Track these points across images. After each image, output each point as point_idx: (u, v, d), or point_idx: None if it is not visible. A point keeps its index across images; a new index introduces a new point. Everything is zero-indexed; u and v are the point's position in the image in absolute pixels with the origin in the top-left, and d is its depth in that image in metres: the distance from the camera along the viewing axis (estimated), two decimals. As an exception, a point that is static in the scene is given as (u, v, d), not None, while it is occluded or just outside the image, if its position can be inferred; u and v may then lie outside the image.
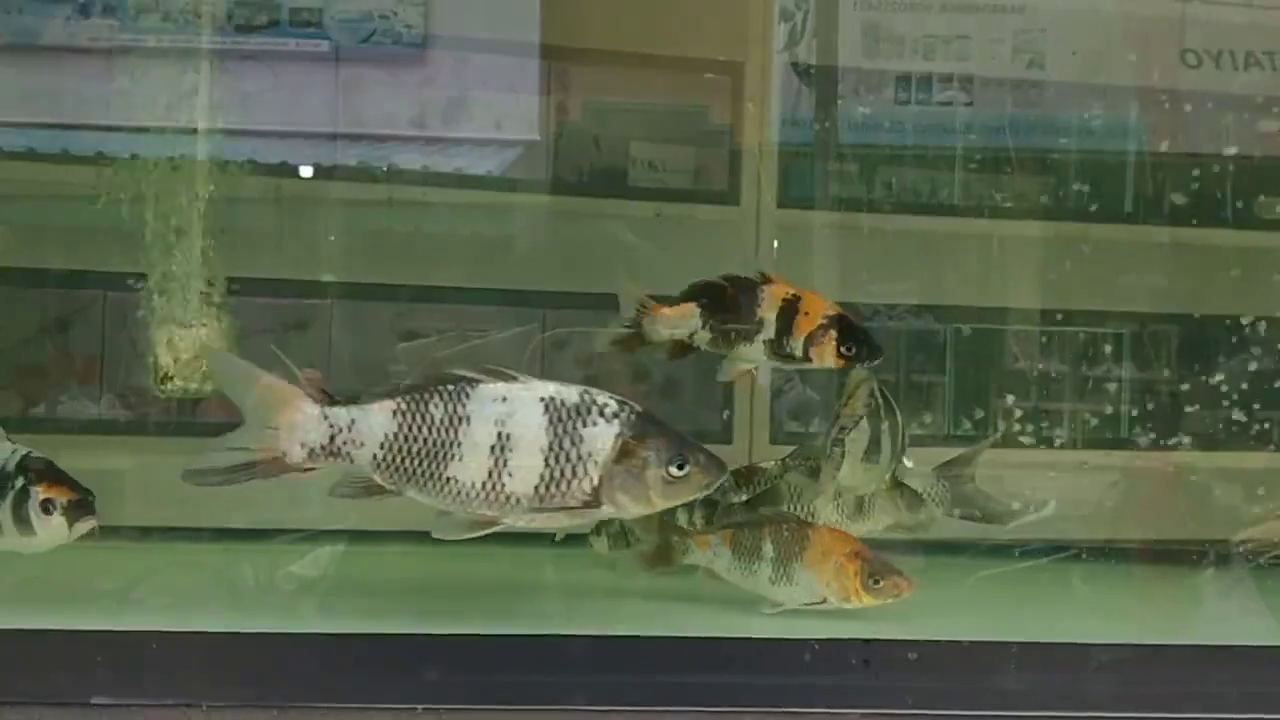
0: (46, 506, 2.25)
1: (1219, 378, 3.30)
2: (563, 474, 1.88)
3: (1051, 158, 3.54)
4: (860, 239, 3.36)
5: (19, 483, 2.27)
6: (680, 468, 1.87)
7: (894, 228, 3.40)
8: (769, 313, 2.36)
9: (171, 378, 2.56)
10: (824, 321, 2.35)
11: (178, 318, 2.58)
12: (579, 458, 1.87)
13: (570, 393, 1.91)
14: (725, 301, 2.40)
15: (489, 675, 2.08)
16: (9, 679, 2.03)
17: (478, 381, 1.91)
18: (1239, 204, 3.41)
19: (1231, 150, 3.42)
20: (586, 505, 1.88)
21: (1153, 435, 3.34)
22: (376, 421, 1.88)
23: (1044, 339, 3.42)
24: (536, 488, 1.88)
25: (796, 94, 3.54)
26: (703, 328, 2.42)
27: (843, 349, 2.34)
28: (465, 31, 3.45)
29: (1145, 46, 3.49)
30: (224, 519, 2.78)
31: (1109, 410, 3.37)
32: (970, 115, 3.56)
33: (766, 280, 2.39)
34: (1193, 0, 3.54)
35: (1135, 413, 3.38)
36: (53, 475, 2.29)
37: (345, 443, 1.88)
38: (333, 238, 3.30)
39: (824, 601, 2.30)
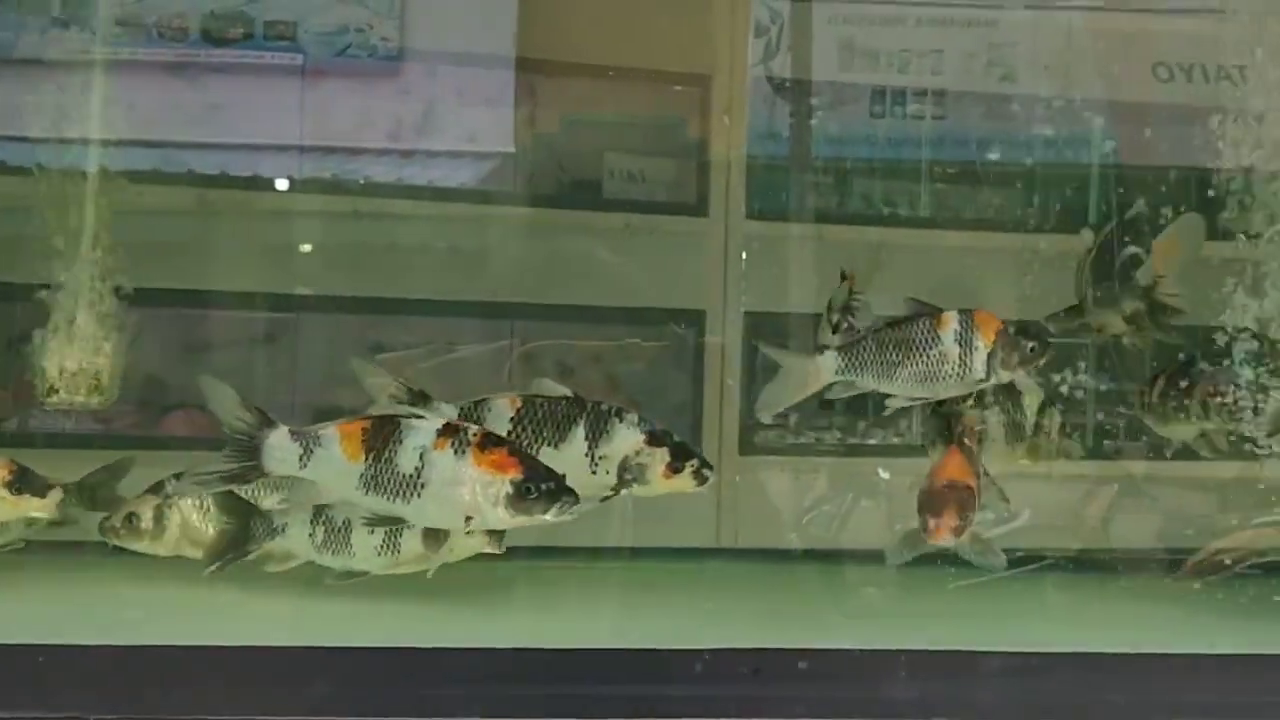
0: None
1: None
2: None
3: (1023, 170, 3.55)
4: (829, 250, 3.37)
5: None
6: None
7: (864, 239, 3.42)
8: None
9: (57, 390, 2.56)
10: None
11: (65, 330, 2.58)
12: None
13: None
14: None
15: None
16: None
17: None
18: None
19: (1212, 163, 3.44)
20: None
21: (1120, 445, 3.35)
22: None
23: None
24: None
25: (771, 107, 3.56)
26: None
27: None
28: (440, 44, 3.46)
29: (1118, 61, 3.52)
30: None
31: (1082, 420, 3.38)
32: (944, 129, 3.58)
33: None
34: (1164, 14, 3.57)
35: (1110, 424, 3.38)
36: None
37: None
38: (309, 249, 3.31)
39: None
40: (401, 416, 2.09)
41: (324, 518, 2.43)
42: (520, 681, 2.10)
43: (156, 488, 2.56)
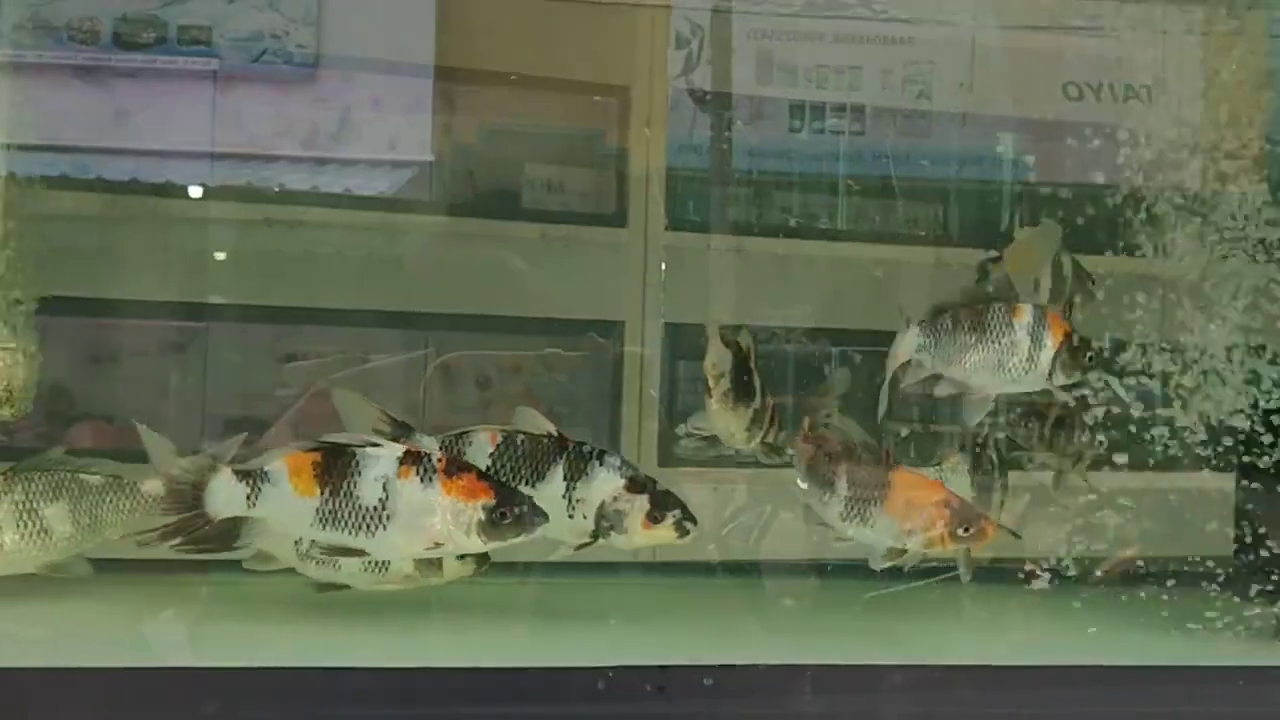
0: None
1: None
2: None
3: (938, 185, 3.61)
4: (748, 262, 3.39)
5: None
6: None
7: (783, 252, 3.45)
8: (757, 386, 2.50)
9: None
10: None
11: None
12: None
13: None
14: (742, 361, 2.49)
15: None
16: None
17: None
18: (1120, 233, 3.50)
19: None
20: None
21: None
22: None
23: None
24: None
25: (692, 119, 3.58)
26: (726, 374, 2.51)
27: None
28: (358, 52, 3.43)
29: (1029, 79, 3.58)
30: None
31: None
32: (861, 143, 3.62)
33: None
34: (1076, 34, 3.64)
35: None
36: None
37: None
38: (220, 257, 3.25)
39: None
40: (353, 446, 2.01)
41: None
42: (416, 703, 2.06)
43: None
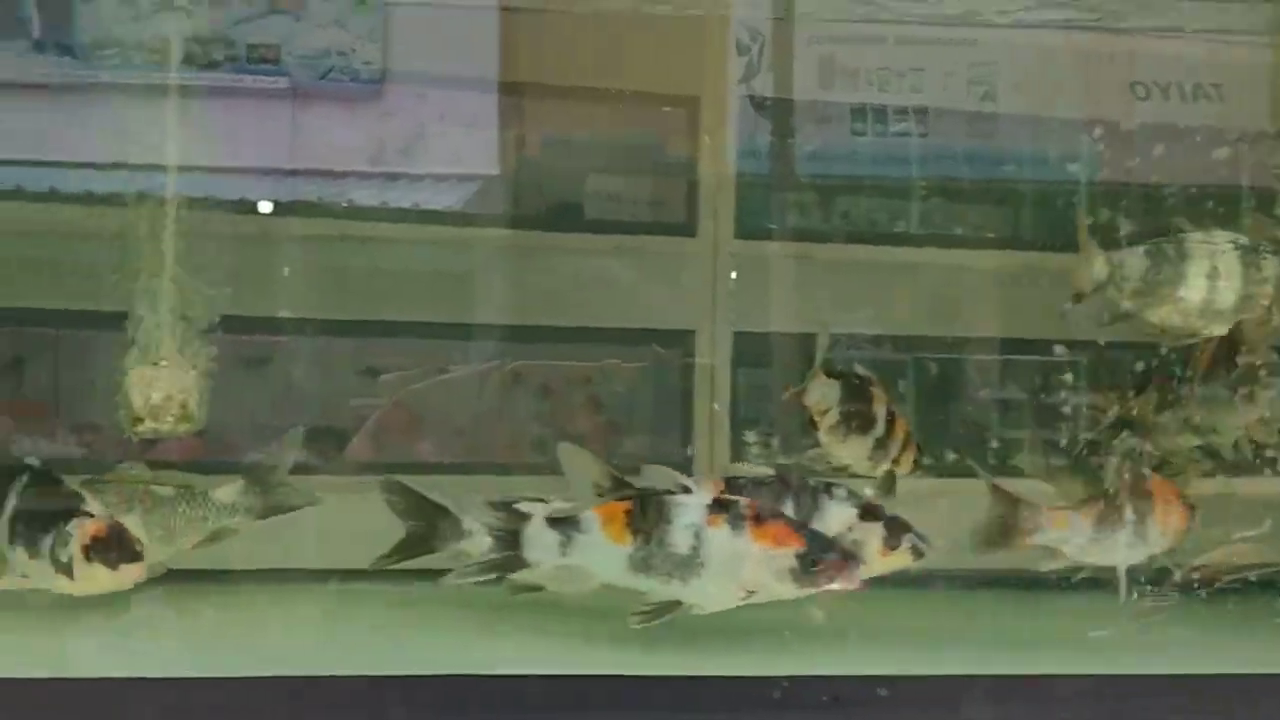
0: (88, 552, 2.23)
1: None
2: None
3: (1005, 187, 3.58)
4: (817, 269, 3.38)
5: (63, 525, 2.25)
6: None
7: (859, 258, 3.43)
8: (880, 413, 2.48)
9: (142, 419, 2.54)
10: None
11: (151, 358, 2.55)
12: None
13: None
14: (853, 392, 2.49)
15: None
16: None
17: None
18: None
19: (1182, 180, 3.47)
20: None
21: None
22: None
23: (1004, 367, 3.45)
24: None
25: (754, 126, 3.58)
26: (835, 407, 2.49)
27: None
28: (423, 67, 3.46)
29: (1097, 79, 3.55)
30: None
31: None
32: (925, 146, 3.60)
33: (871, 382, 2.50)
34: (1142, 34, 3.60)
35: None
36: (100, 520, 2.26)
37: None
38: (286, 272, 3.29)
39: None
40: (661, 494, 2.02)
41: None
42: (589, 709, 2.04)
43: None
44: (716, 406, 3.28)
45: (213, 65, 3.29)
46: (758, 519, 2.01)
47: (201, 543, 2.53)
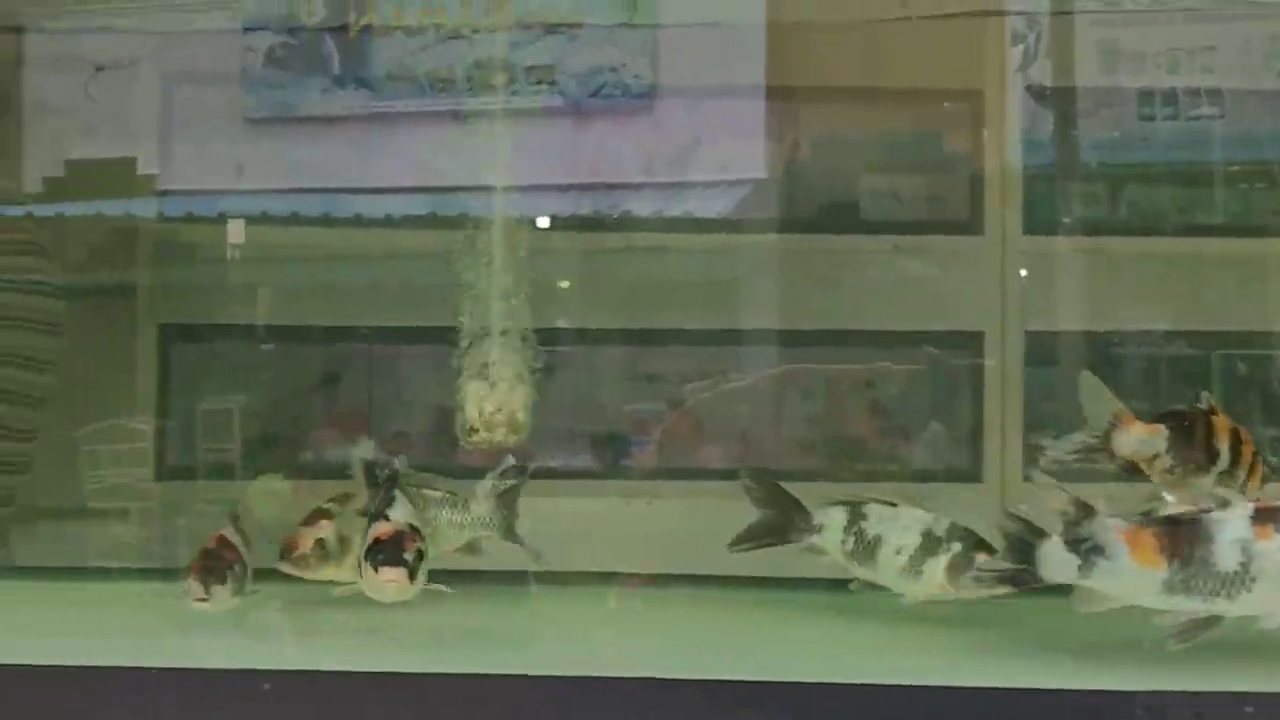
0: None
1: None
2: None
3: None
4: (1110, 263, 3.23)
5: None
6: None
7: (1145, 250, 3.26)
8: (1223, 444, 2.28)
9: (477, 430, 2.63)
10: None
11: (484, 374, 2.63)
12: None
13: None
14: (1189, 429, 2.28)
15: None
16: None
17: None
18: None
19: None
20: None
21: None
22: None
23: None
24: None
25: (1034, 117, 3.45)
26: (1165, 452, 2.29)
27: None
28: (692, 78, 3.49)
29: None
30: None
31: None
32: (1222, 129, 3.38)
33: (1213, 412, 2.31)
34: None
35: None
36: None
37: None
38: (564, 284, 3.37)
39: None
40: (1199, 513, 1.96)
41: (857, 527, 2.42)
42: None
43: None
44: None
45: (495, 88, 3.40)
46: None
47: (458, 549, 2.53)
